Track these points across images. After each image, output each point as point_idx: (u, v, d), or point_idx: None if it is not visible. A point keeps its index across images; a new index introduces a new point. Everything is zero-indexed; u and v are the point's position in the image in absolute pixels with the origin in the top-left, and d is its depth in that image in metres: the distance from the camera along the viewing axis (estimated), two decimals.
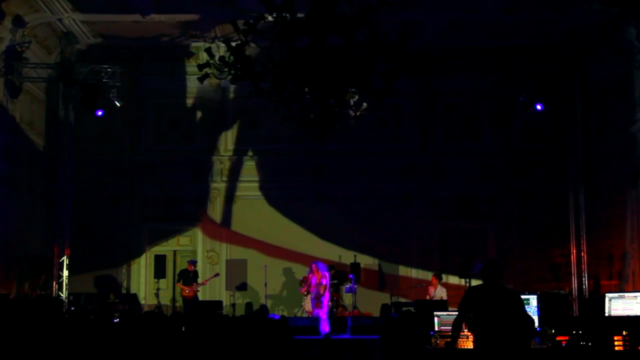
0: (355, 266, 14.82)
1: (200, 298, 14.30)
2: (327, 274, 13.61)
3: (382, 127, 15.89)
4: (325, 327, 12.60)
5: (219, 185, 15.94)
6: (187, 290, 13.95)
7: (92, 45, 15.04)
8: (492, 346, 6.16)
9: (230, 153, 16.02)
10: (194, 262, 14.46)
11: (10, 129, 13.21)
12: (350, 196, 15.84)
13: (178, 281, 14.17)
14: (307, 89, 8.26)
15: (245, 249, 15.56)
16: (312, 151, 15.56)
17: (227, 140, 16.08)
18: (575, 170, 14.84)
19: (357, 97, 8.65)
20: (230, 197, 15.89)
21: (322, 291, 13.26)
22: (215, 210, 15.84)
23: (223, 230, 15.72)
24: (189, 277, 14.08)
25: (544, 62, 14.87)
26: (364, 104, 8.82)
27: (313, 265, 13.61)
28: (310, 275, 13.64)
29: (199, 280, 14.23)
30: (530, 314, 8.05)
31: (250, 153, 15.99)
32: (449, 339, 6.83)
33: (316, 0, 7.97)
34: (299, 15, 8.20)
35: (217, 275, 14.78)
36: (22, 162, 13.93)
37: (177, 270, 14.66)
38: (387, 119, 15.91)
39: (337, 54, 8.16)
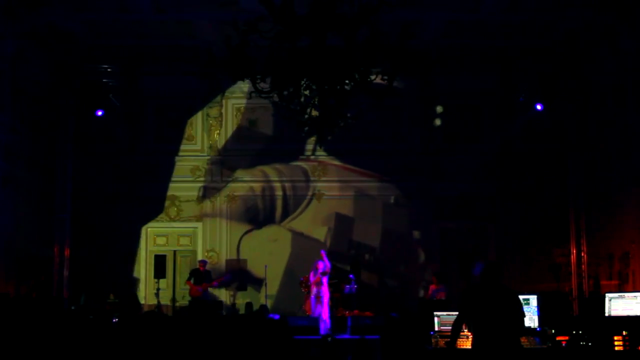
0: (355, 266, 14.82)
1: None
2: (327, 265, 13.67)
3: (382, 127, 15.90)
4: (325, 327, 12.62)
5: (219, 186, 15.98)
6: (195, 289, 13.94)
7: (92, 45, 15.03)
8: (490, 345, 6.17)
9: (229, 153, 16.06)
10: (204, 262, 14.46)
11: (10, 129, 13.20)
12: (350, 196, 15.85)
13: (189, 279, 14.14)
14: (307, 90, 8.26)
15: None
16: (311, 151, 15.65)
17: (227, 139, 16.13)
18: (575, 170, 14.84)
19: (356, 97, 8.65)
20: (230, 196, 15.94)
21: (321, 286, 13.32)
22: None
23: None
24: (200, 276, 14.07)
25: (544, 62, 14.85)
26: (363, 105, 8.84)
27: (323, 252, 13.67)
28: (312, 274, 13.71)
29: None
30: (530, 314, 8.08)
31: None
32: (449, 339, 6.83)
33: (316, 0, 7.97)
34: (299, 15, 8.19)
35: (227, 276, 14.77)
36: (22, 162, 13.91)
37: (177, 271, 14.67)
38: (387, 119, 15.93)
39: (337, 53, 8.15)
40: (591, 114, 14.50)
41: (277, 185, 15.81)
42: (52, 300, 13.10)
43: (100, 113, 14.61)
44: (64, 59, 14.70)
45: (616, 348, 7.82)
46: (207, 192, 15.90)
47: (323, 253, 13.83)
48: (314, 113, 8.52)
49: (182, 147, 16.02)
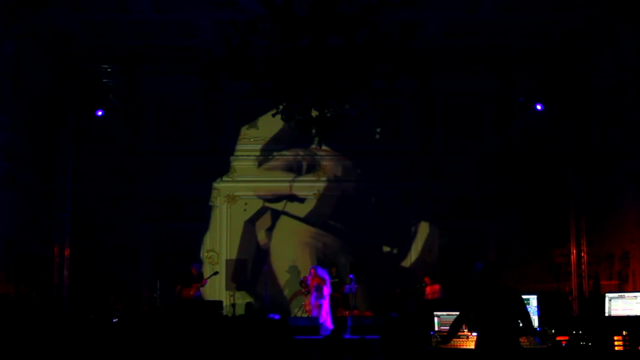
0: (355, 266, 14.82)
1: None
2: (327, 278, 13.67)
3: (382, 127, 15.90)
4: (326, 329, 12.61)
5: (219, 185, 15.99)
6: (187, 292, 13.90)
7: (92, 45, 15.02)
8: (492, 344, 6.16)
9: (229, 153, 16.07)
10: (196, 266, 14.38)
11: (10, 129, 13.21)
12: (350, 196, 15.87)
13: (179, 284, 14.10)
14: (307, 90, 8.27)
15: None
16: (311, 151, 15.66)
17: (227, 140, 16.14)
18: (575, 171, 14.83)
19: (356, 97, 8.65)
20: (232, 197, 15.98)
21: (321, 292, 13.35)
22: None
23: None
24: (192, 280, 14.01)
25: (544, 62, 14.85)
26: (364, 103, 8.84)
27: (312, 270, 13.68)
28: (310, 278, 13.72)
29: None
30: (530, 314, 8.08)
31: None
32: (446, 334, 6.85)
33: (316, 0, 7.97)
34: (299, 15, 8.20)
35: (216, 273, 14.74)
36: (22, 162, 13.92)
37: (177, 271, 14.62)
38: (387, 119, 15.92)
39: (337, 53, 8.16)
40: (591, 114, 14.50)
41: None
42: (52, 300, 13.11)
43: (100, 113, 14.60)
44: (64, 59, 14.69)
45: (616, 348, 7.82)
46: (207, 192, 15.91)
47: (313, 272, 13.74)
48: (314, 113, 8.52)
49: (182, 147, 16.00)
